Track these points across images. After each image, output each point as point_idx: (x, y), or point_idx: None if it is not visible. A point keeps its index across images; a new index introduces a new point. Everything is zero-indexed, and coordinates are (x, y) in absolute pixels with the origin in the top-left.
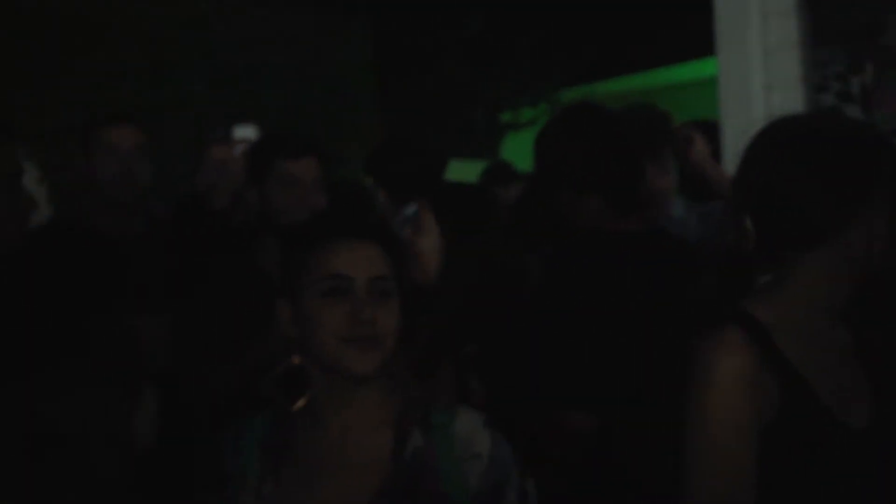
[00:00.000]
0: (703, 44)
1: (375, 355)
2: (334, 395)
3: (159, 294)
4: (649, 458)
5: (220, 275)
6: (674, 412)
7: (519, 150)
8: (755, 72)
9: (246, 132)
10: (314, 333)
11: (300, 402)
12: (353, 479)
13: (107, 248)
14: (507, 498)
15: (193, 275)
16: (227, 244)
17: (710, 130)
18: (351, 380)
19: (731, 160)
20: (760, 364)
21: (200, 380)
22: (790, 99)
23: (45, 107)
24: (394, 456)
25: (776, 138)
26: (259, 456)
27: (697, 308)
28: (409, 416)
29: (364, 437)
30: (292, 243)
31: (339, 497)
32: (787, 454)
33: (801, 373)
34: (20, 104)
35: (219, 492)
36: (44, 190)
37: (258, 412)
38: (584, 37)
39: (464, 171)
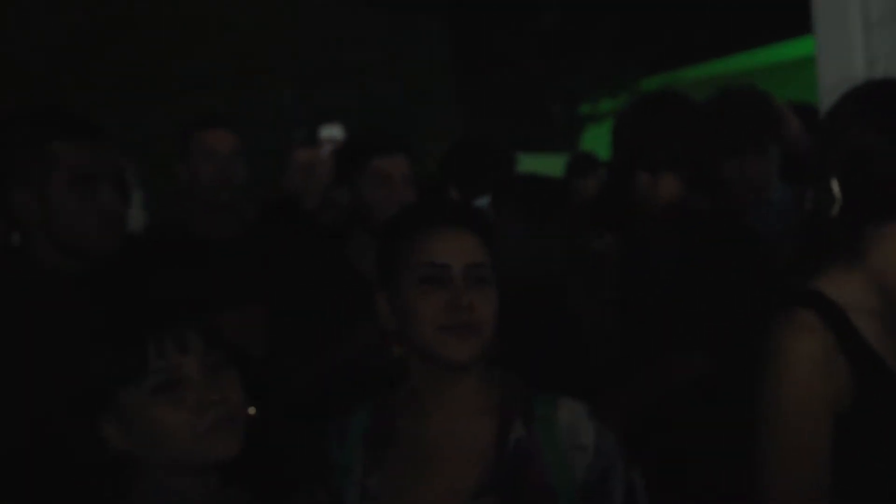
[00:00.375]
0: (794, 22)
1: (474, 343)
2: (435, 386)
3: (251, 292)
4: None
5: (311, 272)
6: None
7: (599, 143)
8: (856, 48)
9: (332, 132)
10: (412, 323)
11: (401, 394)
12: (457, 469)
13: (201, 249)
14: (615, 489)
15: (285, 273)
16: (317, 242)
17: (807, 115)
18: (451, 369)
19: None
20: (835, 347)
21: (290, 374)
22: (894, 74)
23: (137, 112)
24: (497, 446)
25: (873, 100)
26: (363, 447)
27: (768, 287)
28: (510, 406)
29: (466, 427)
30: (388, 235)
31: (444, 487)
32: (864, 440)
33: (881, 356)
34: (113, 111)
35: (325, 484)
36: (140, 195)
37: (361, 404)
38: (662, 22)
39: (544, 165)
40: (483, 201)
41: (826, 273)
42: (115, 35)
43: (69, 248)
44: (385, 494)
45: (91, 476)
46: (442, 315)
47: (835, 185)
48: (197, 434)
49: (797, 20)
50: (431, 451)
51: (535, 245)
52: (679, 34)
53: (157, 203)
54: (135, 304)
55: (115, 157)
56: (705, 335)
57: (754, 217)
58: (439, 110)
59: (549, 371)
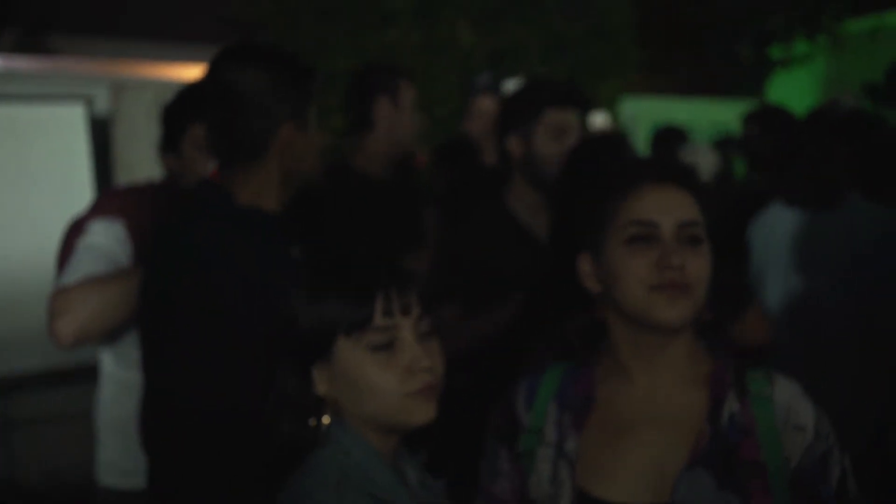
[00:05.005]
0: None
1: (686, 304)
2: (641, 351)
3: (419, 234)
4: None
5: (475, 223)
6: None
7: (789, 90)
8: None
9: (515, 86)
10: (619, 283)
11: (601, 358)
12: (664, 438)
13: (378, 190)
14: (832, 474)
15: (454, 218)
16: (484, 192)
17: None
18: (660, 332)
19: None
20: None
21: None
22: None
23: (314, 51)
24: (710, 418)
25: None
26: (557, 409)
27: None
28: (722, 378)
29: (675, 395)
30: (592, 192)
31: (651, 457)
32: None
33: None
34: (299, 47)
35: (510, 445)
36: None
37: (553, 364)
38: None
39: (726, 111)
40: None
41: None
42: None
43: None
44: (584, 460)
45: (298, 414)
46: (651, 274)
47: None
48: (403, 396)
49: None
50: (636, 419)
51: None
52: None
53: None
54: (360, 257)
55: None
56: None
57: None
58: (622, 50)
59: None
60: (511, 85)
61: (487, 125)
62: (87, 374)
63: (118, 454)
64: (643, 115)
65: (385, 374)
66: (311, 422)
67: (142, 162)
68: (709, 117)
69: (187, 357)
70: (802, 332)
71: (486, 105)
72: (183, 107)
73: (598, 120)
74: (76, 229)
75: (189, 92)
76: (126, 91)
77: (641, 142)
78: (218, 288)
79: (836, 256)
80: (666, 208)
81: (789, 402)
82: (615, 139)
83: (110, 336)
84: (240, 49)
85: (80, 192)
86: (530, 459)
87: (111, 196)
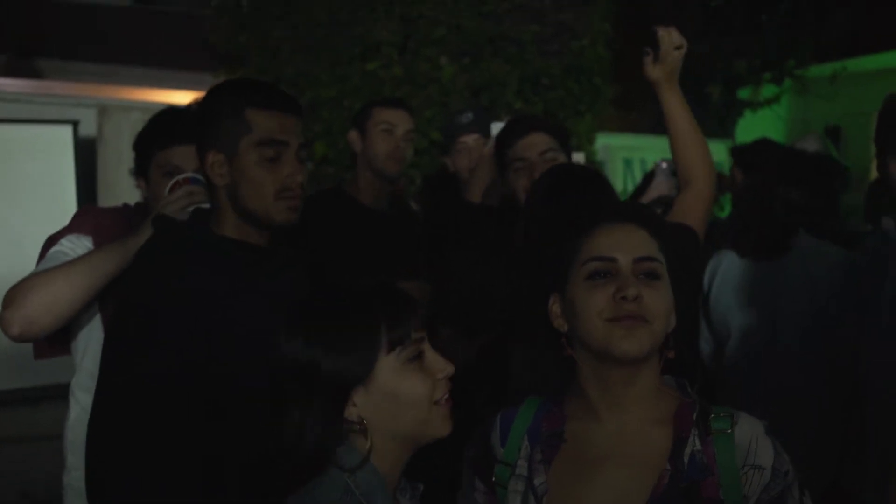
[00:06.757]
0: None
1: (643, 335)
2: (608, 387)
3: (410, 262)
4: None
5: (471, 247)
6: None
7: (756, 130)
8: None
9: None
10: (580, 318)
11: (572, 394)
12: (629, 476)
13: (369, 218)
14: None
15: (443, 247)
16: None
17: None
18: (623, 366)
19: None
20: None
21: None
22: None
23: (302, 79)
24: (672, 457)
25: None
26: (528, 445)
27: None
28: (686, 418)
29: (641, 433)
30: (553, 236)
31: (615, 494)
32: None
33: None
34: (279, 76)
35: (484, 479)
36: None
37: (528, 399)
38: (835, 7)
39: None
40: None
41: None
42: (290, 1)
43: (249, 215)
44: (552, 496)
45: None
46: (609, 307)
47: None
48: (433, 405)
49: None
50: (603, 456)
51: None
52: (851, 21)
53: (315, 167)
54: (367, 281)
55: (302, 126)
56: None
57: None
58: (597, 87)
59: None
60: (497, 129)
61: (473, 162)
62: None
63: (82, 478)
64: (616, 150)
65: (422, 383)
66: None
67: (124, 182)
68: None
69: (127, 378)
70: (766, 376)
71: (471, 142)
72: (152, 134)
73: (575, 158)
74: (50, 244)
75: (157, 119)
76: (111, 114)
77: (614, 176)
78: (166, 317)
79: (792, 300)
80: (623, 244)
81: (749, 442)
82: (586, 174)
83: (69, 333)
84: (219, 83)
85: (66, 212)
86: (504, 492)
87: (85, 215)
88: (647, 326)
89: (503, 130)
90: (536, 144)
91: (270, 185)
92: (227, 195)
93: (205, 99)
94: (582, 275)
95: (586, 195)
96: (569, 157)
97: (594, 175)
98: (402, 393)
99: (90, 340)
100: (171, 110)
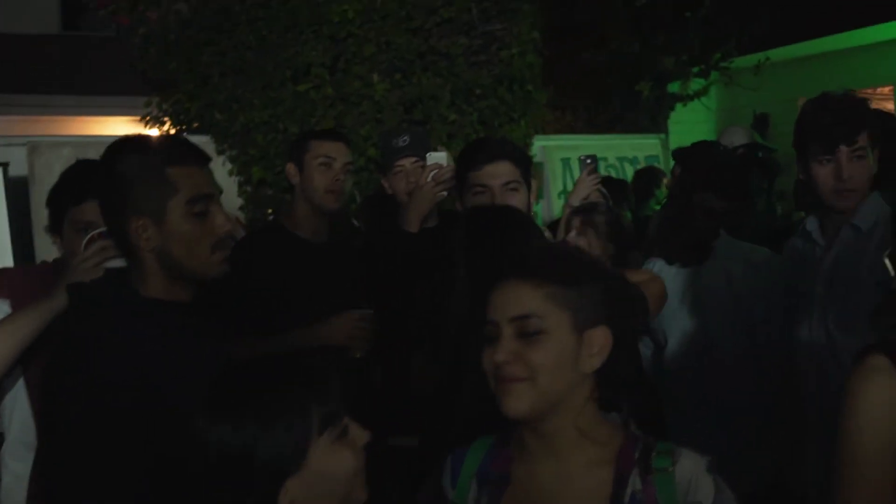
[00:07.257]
0: (888, 3)
1: (521, 391)
2: (539, 435)
3: (352, 294)
4: None
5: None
6: None
7: (687, 123)
8: None
9: (439, 158)
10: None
11: (517, 436)
12: None
13: (309, 251)
14: None
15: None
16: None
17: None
18: (527, 423)
19: None
20: None
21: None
22: None
23: (234, 102)
24: (613, 498)
25: None
26: (476, 486)
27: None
28: (628, 457)
29: (581, 476)
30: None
31: None
32: None
33: None
34: (211, 101)
35: None
36: (234, 183)
37: (478, 442)
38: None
39: (630, 146)
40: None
41: None
42: (217, 26)
43: (184, 273)
44: None
45: None
46: (492, 369)
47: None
48: (357, 473)
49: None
50: (545, 499)
51: None
52: (773, 14)
53: (253, 190)
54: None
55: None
56: None
57: None
58: (530, 93)
59: None
60: (434, 158)
61: (410, 185)
62: None
63: None
64: (553, 151)
65: (353, 457)
66: None
67: None
68: (615, 152)
69: (70, 452)
70: (707, 381)
71: (408, 166)
72: (64, 190)
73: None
74: None
75: (68, 175)
76: (42, 151)
77: (553, 176)
78: (107, 385)
79: (718, 304)
80: (502, 306)
81: (690, 479)
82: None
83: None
84: (124, 140)
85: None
86: None
87: (0, 278)
88: (525, 383)
89: (469, 149)
90: (501, 175)
91: (206, 241)
92: (155, 258)
93: (111, 163)
94: (483, 337)
95: (503, 244)
96: (529, 187)
97: (516, 221)
98: (336, 472)
99: (15, 407)
100: (82, 164)
